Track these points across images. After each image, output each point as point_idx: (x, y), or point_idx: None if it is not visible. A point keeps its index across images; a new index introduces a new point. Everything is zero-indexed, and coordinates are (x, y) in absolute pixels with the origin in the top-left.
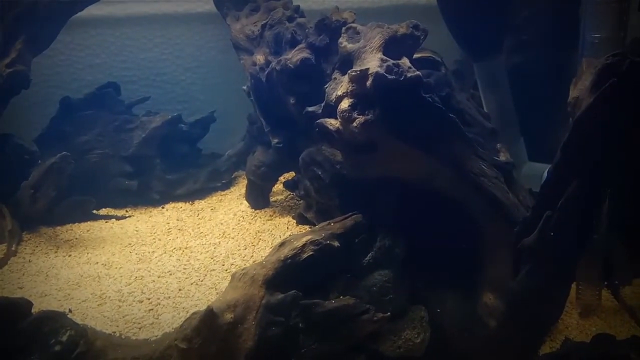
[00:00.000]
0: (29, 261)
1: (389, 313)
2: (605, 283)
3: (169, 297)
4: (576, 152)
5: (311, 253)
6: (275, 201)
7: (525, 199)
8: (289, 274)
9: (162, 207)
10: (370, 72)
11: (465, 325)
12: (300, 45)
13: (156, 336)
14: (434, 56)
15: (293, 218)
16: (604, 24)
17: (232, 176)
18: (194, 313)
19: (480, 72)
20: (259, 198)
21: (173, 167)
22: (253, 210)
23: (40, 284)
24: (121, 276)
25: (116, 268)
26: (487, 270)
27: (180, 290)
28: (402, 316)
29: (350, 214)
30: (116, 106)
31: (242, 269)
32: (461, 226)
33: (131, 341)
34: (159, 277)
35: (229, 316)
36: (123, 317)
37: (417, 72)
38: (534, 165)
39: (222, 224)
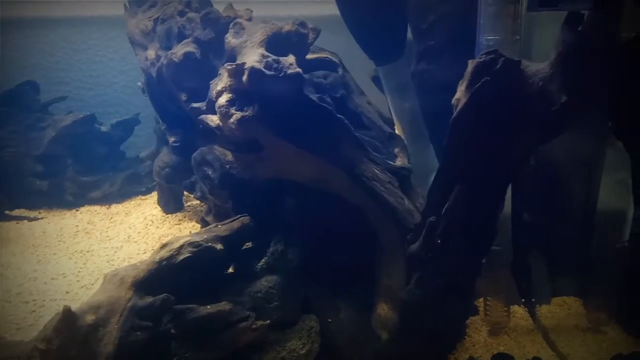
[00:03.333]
0: None
1: (268, 321)
2: (522, 300)
3: (55, 300)
4: (456, 154)
5: (188, 255)
6: (189, 205)
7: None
8: (164, 277)
9: (76, 210)
10: (246, 66)
11: (358, 337)
12: (187, 40)
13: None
14: (331, 57)
15: (198, 222)
16: (497, 26)
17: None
18: (56, 314)
19: (383, 76)
20: (169, 202)
21: (89, 169)
22: (164, 214)
23: None
24: (15, 277)
25: (13, 269)
26: (381, 279)
27: (67, 292)
28: (290, 325)
29: (238, 216)
30: (33, 105)
31: (114, 270)
32: (357, 233)
33: (5, 341)
34: (52, 279)
35: (90, 318)
36: (5, 316)
37: (298, 70)
38: None
39: (130, 228)
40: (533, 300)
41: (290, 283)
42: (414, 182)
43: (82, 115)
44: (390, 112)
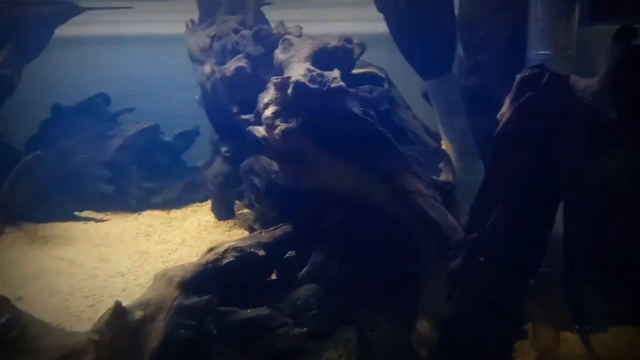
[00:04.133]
0: (3, 252)
1: (305, 329)
2: (575, 327)
3: (112, 296)
4: (500, 169)
5: (232, 259)
6: (240, 213)
7: None
8: (209, 279)
9: (139, 214)
10: (291, 80)
11: (396, 353)
12: (239, 55)
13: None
14: (377, 72)
15: (247, 230)
16: (547, 41)
17: None
18: (109, 308)
19: (431, 91)
20: (222, 209)
21: (152, 176)
22: (217, 221)
23: (5, 272)
24: (78, 273)
25: (78, 265)
26: (422, 295)
27: (124, 290)
28: (328, 335)
29: (281, 224)
30: (103, 115)
31: (163, 270)
32: (398, 247)
33: (63, 332)
34: (111, 276)
35: (139, 314)
36: (66, 309)
37: (341, 83)
38: None
39: (185, 232)
40: (586, 327)
41: (329, 293)
42: (461, 198)
43: (147, 126)
44: (438, 127)
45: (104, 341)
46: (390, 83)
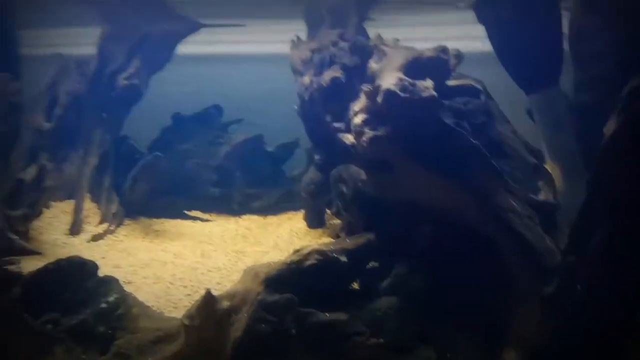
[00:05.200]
0: (121, 240)
1: (382, 340)
2: None
3: (207, 288)
4: (605, 187)
5: (314, 262)
6: (331, 223)
7: None
8: (291, 279)
9: (239, 217)
10: (382, 88)
11: None
12: (335, 66)
13: None
14: (474, 84)
15: (334, 238)
16: None
17: None
18: (201, 296)
19: (536, 108)
20: (313, 218)
21: (254, 183)
22: (308, 229)
23: (119, 258)
24: (181, 265)
25: (182, 258)
26: (511, 321)
27: (218, 284)
28: (406, 351)
29: (364, 233)
30: (215, 124)
31: (252, 266)
32: (487, 267)
33: (162, 316)
34: (208, 271)
35: (226, 303)
36: (167, 296)
37: (433, 93)
38: None
39: (278, 237)
40: None
41: (409, 308)
42: (564, 222)
43: (252, 135)
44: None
45: (194, 326)
46: (489, 96)
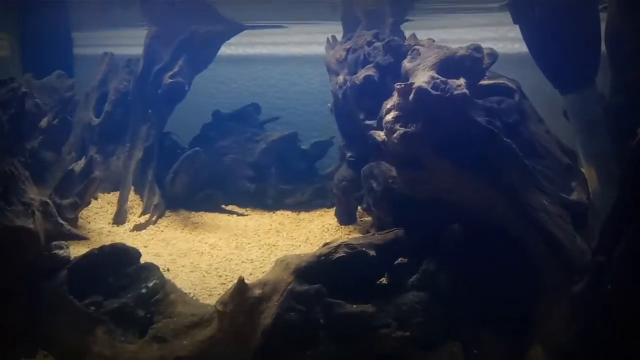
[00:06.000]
0: (161, 230)
1: (408, 333)
2: None
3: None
4: (634, 187)
5: (343, 255)
6: (362, 220)
7: None
8: (321, 271)
9: (273, 212)
10: (414, 86)
11: None
12: (369, 65)
13: None
14: (508, 83)
15: (364, 234)
16: None
17: None
18: (234, 284)
19: (571, 111)
20: (344, 214)
21: (288, 179)
22: (339, 225)
23: (159, 247)
24: (217, 256)
25: (217, 249)
26: (539, 319)
27: (251, 274)
28: (433, 347)
29: (393, 229)
30: (253, 122)
31: (283, 256)
32: (517, 265)
33: (197, 302)
34: (242, 262)
35: (257, 291)
36: (202, 284)
37: (465, 91)
38: None
39: (309, 232)
40: None
41: (436, 303)
42: (597, 224)
43: (287, 133)
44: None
45: (226, 312)
46: (523, 95)
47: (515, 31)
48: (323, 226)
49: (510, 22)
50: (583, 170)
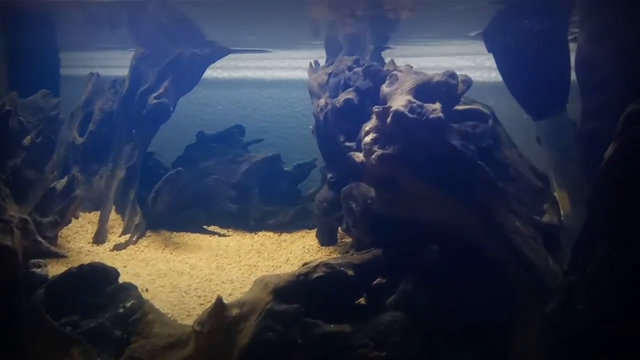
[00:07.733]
0: (142, 250)
1: (385, 353)
2: None
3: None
4: (603, 207)
5: (322, 274)
6: (342, 241)
7: None
8: (299, 290)
9: (255, 233)
10: (391, 109)
11: None
12: (349, 89)
13: None
14: (482, 109)
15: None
16: None
17: None
18: (212, 303)
19: (541, 131)
20: (325, 235)
21: (271, 200)
22: (320, 246)
23: (139, 267)
24: (197, 276)
25: (198, 269)
26: (514, 340)
27: (230, 295)
28: None
29: (372, 249)
30: (237, 143)
31: (262, 276)
32: (492, 285)
33: (175, 323)
34: (222, 282)
35: (235, 311)
36: (181, 304)
37: (440, 115)
38: None
39: (290, 253)
40: None
41: (413, 323)
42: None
43: (270, 154)
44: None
45: (204, 332)
46: (496, 121)
47: (492, 60)
48: (304, 247)
49: (487, 51)
50: (555, 193)
